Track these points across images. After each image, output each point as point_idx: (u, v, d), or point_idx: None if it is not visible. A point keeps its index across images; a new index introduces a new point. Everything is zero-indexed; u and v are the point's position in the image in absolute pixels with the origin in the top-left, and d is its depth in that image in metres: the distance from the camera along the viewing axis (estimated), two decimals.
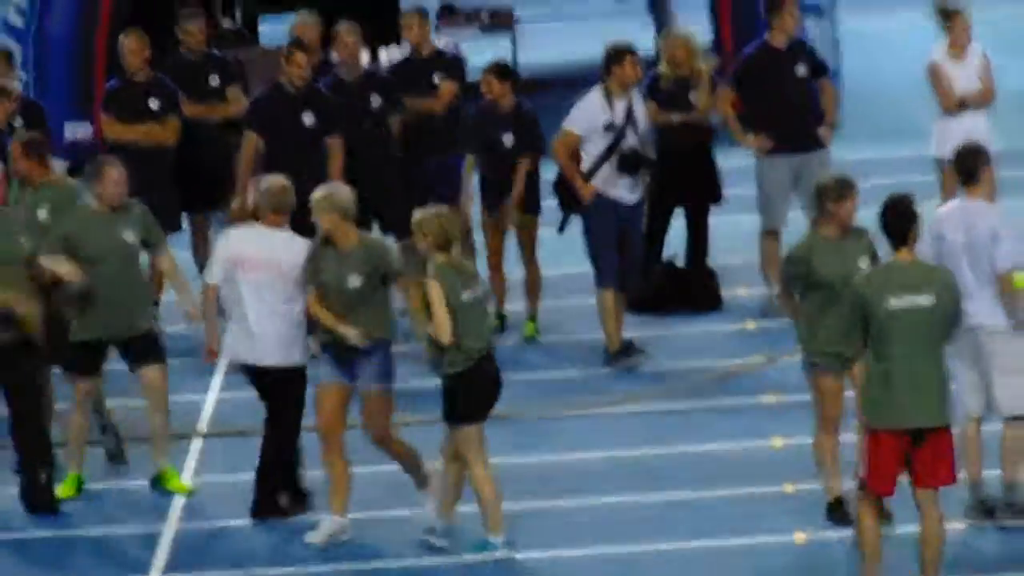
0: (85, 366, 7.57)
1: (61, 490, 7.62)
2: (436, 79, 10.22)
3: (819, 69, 10.26)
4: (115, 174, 7.33)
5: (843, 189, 6.26)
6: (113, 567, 7.19)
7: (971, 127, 9.67)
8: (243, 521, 7.27)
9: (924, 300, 4.97)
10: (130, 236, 7.42)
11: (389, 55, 12.16)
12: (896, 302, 5.57)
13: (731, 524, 6.83)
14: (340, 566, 6.88)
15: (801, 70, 10.03)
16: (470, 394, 6.13)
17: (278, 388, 7.12)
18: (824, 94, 10.40)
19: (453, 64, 10.88)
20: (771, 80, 9.96)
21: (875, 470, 4.94)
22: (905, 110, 10.35)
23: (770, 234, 10.19)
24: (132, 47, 9.99)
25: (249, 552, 7.15)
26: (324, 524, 6.87)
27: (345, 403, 6.88)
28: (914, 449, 5.11)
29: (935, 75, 9.98)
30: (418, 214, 6.79)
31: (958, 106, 10.12)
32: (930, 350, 5.01)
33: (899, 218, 5.78)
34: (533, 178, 9.90)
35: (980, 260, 6.25)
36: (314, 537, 6.79)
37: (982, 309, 5.97)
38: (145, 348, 7.67)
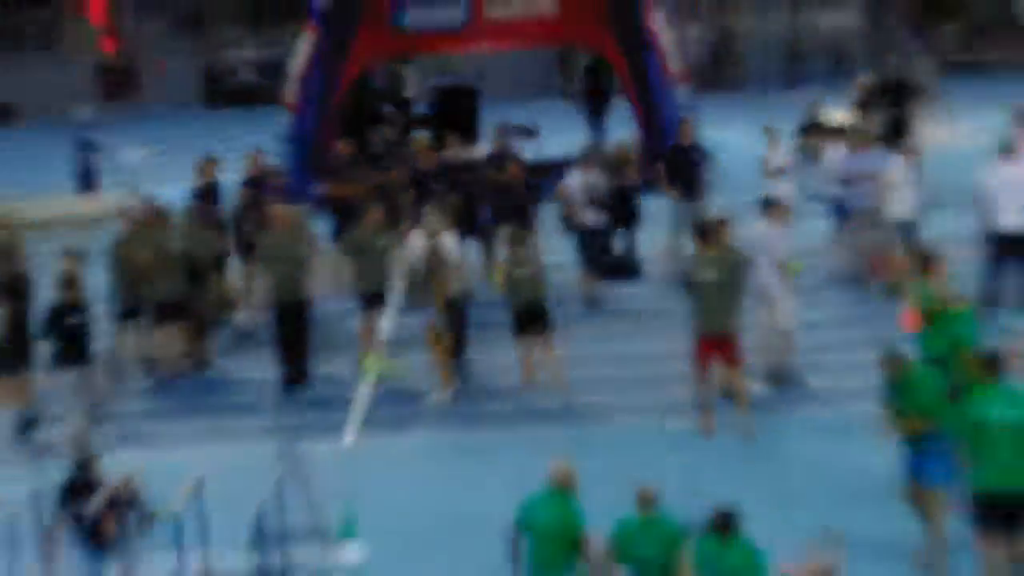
0: (370, 305, 7.73)
1: (379, 367, 7.54)
2: (507, 163, 9.26)
3: (706, 156, 10.22)
4: (378, 211, 7.92)
5: (721, 222, 7.01)
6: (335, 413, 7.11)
7: (783, 187, 9.60)
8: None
9: (714, 274, 6.13)
10: (382, 241, 7.85)
11: (476, 150, 11.56)
12: (702, 274, 6.21)
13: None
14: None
15: (696, 157, 10.11)
16: (517, 320, 6.94)
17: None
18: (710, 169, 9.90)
19: (517, 156, 10.19)
20: (680, 161, 9.99)
21: (698, 358, 6.09)
22: (741, 178, 10.97)
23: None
24: (343, 147, 9.83)
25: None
26: (435, 392, 7.24)
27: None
28: (719, 347, 6.18)
29: (766, 160, 10.18)
30: (500, 231, 8.34)
31: (774, 174, 9.93)
32: (722, 298, 6.07)
33: (707, 228, 6.58)
34: (532, 214, 9.50)
35: (769, 254, 7.13)
36: (433, 399, 7.18)
37: (770, 279, 6.90)
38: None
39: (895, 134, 11.20)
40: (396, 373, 7.83)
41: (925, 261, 6.13)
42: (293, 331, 7.35)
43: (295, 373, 7.30)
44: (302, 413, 7.05)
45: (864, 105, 12.09)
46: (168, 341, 7.38)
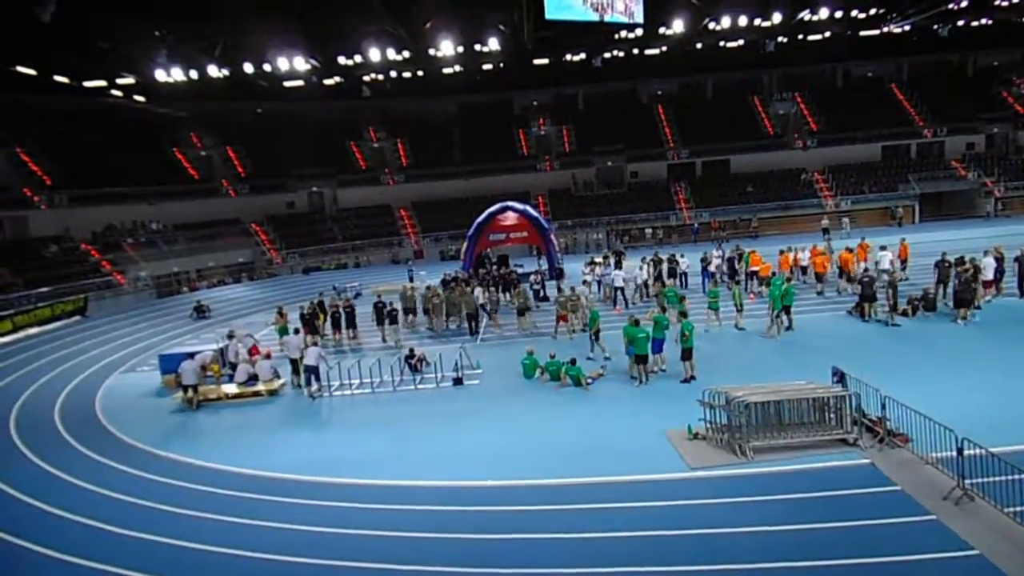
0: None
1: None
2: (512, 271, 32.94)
3: (563, 270, 33.62)
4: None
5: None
6: None
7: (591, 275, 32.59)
8: None
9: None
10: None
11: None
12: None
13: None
14: None
15: (563, 271, 34.71)
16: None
17: None
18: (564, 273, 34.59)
19: (514, 270, 32.20)
20: (560, 271, 34.88)
21: None
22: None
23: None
24: (474, 269, 34.06)
25: None
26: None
27: None
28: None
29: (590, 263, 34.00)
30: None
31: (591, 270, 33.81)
32: None
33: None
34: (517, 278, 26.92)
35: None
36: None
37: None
38: None
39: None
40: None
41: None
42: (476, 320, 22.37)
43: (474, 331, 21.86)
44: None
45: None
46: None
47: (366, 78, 41.08)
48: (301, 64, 34.46)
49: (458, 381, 17.27)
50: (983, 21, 40.73)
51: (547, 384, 16.30)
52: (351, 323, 23.27)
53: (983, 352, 15.82)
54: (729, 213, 47.69)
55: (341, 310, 23.46)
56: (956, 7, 35.33)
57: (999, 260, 20.38)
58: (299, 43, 33.18)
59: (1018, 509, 8.27)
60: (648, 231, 47.35)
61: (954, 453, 9.12)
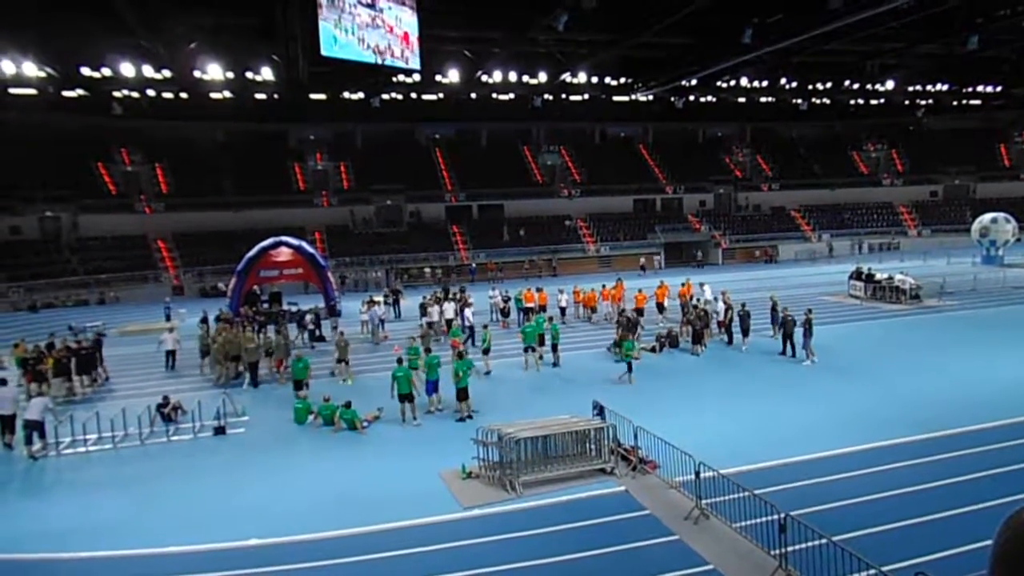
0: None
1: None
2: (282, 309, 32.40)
3: (341, 310, 34.06)
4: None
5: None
6: None
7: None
8: None
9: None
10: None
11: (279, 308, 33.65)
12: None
13: None
14: None
15: (339, 308, 33.96)
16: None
17: None
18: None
19: (286, 308, 33.15)
20: (334, 308, 33.83)
21: None
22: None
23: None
24: (244, 308, 31.88)
25: None
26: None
27: None
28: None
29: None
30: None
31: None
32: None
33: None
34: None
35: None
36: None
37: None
38: None
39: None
40: None
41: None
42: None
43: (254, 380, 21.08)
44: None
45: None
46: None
47: (117, 94, 37.06)
48: (32, 70, 30.05)
49: (220, 430, 15.85)
50: (709, 98, 47.90)
51: (320, 429, 15.56)
52: (90, 367, 20.33)
53: (724, 383, 17.68)
54: (504, 255, 49.92)
55: (77, 353, 20.45)
56: (688, 84, 41.07)
57: (727, 306, 22.61)
58: (31, 46, 28.99)
59: (743, 524, 9.39)
60: (427, 270, 47.89)
61: (693, 476, 10.14)
